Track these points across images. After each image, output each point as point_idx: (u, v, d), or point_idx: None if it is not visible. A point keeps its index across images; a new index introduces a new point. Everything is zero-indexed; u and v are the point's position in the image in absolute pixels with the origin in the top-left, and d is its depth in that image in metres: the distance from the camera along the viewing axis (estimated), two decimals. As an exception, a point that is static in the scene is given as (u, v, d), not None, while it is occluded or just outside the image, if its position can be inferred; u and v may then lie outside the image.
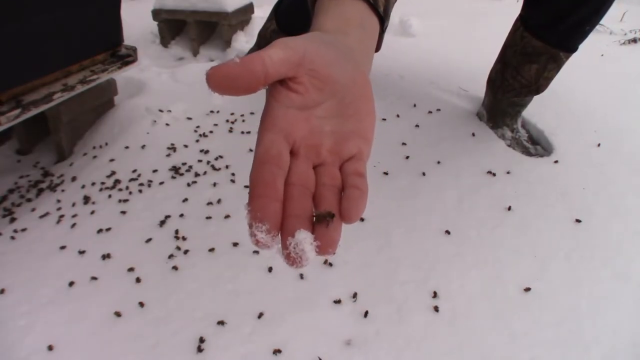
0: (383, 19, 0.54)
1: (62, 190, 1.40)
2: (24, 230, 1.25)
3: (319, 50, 0.41)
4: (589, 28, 1.27)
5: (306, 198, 0.40)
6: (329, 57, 0.42)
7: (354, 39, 0.48)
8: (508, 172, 1.36)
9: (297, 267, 0.36)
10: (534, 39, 1.33)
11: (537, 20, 1.32)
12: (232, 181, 1.38)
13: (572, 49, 1.33)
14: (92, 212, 1.29)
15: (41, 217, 1.29)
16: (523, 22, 1.36)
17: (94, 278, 1.09)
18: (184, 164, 1.47)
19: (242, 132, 1.62)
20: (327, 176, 0.42)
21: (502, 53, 1.47)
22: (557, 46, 1.32)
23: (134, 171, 1.44)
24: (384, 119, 1.64)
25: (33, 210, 1.32)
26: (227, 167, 1.44)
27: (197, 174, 1.42)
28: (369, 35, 0.51)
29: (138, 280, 1.08)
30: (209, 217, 1.25)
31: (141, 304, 1.02)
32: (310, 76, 0.41)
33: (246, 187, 1.35)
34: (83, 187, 1.40)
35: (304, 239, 0.36)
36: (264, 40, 1.87)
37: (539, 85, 1.43)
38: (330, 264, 1.10)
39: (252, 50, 1.99)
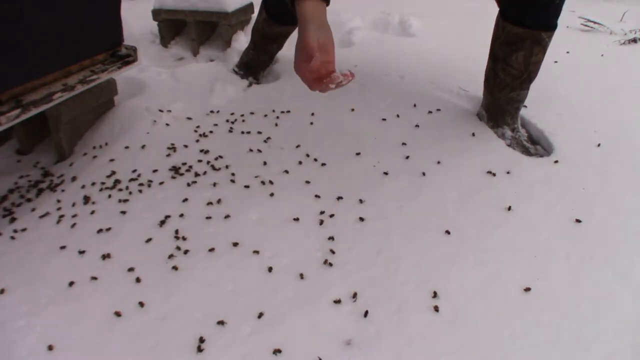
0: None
1: (62, 190, 1.40)
2: (24, 230, 1.25)
3: (326, 35, 0.94)
4: (559, 1, 1.33)
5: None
6: (328, 35, 0.95)
7: (325, 21, 0.96)
8: (508, 172, 1.36)
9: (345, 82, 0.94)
10: (514, 26, 1.40)
11: (512, 8, 1.41)
12: (232, 181, 1.38)
13: (550, 26, 1.39)
14: (92, 212, 1.29)
15: (41, 217, 1.29)
16: (501, 15, 1.45)
17: (94, 278, 1.09)
18: (184, 164, 1.47)
19: (242, 132, 1.62)
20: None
21: (490, 49, 1.53)
22: (535, 27, 1.38)
23: (134, 171, 1.44)
24: (384, 119, 1.64)
25: (33, 210, 1.32)
26: (227, 167, 1.44)
27: (197, 174, 1.42)
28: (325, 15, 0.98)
29: (138, 280, 1.08)
30: (209, 217, 1.25)
31: (141, 304, 1.02)
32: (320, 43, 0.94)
33: (246, 187, 1.36)
34: (83, 187, 1.40)
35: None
36: (257, 33, 1.93)
37: (529, 72, 1.46)
38: (330, 264, 1.10)
39: (248, 48, 2.02)
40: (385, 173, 1.38)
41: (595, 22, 2.51)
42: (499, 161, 1.41)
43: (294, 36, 2.37)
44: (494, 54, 1.50)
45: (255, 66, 2.01)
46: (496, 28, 1.48)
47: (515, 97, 1.51)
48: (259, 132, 1.61)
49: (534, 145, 1.51)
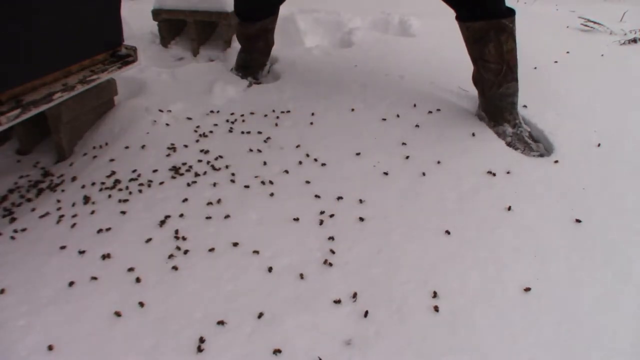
0: None
1: (62, 190, 1.40)
2: (24, 230, 1.25)
3: None
4: None
5: None
6: None
7: None
8: (508, 172, 1.36)
9: None
10: (472, 22, 1.50)
11: (463, 8, 1.52)
12: (232, 181, 1.38)
13: (503, 12, 1.48)
14: (92, 212, 1.29)
15: (41, 217, 1.29)
16: (458, 18, 1.55)
17: (94, 278, 1.09)
18: (184, 164, 1.47)
19: (242, 132, 1.62)
20: None
21: (468, 53, 1.61)
22: (490, 16, 1.47)
23: (134, 171, 1.44)
24: (384, 119, 1.64)
25: (33, 210, 1.32)
26: (227, 167, 1.44)
27: (197, 174, 1.42)
28: None
29: (138, 280, 1.08)
30: (209, 217, 1.25)
31: (141, 304, 1.02)
32: None
33: (246, 187, 1.36)
34: (83, 187, 1.40)
35: None
36: (240, 37, 1.99)
37: (506, 61, 1.52)
38: (330, 264, 1.10)
39: (240, 51, 2.03)
40: (385, 173, 1.38)
41: (595, 22, 2.51)
42: (499, 161, 1.41)
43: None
44: (472, 56, 1.59)
45: (251, 66, 2.01)
46: (461, 31, 1.58)
47: (505, 91, 1.54)
48: (259, 132, 1.61)
49: (536, 142, 1.51)
